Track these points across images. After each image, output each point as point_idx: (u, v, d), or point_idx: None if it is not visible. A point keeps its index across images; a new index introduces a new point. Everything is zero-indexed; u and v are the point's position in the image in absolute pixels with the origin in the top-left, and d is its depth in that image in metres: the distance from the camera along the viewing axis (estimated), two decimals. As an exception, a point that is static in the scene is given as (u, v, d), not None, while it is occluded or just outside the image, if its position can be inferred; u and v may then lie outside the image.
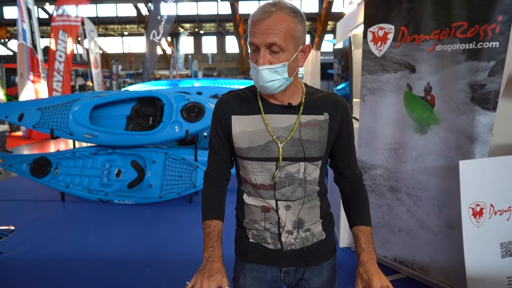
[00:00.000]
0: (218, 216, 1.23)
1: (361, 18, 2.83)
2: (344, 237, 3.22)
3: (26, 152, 7.53)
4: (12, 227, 3.06)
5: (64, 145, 7.88)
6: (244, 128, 1.17)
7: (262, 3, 1.09)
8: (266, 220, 1.21)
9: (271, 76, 1.06)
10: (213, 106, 4.21)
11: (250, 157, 1.17)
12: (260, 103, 1.17)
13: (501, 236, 2.19)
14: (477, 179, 2.19)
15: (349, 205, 1.25)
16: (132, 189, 4.37)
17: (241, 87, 1.30)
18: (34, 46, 8.87)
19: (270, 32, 1.01)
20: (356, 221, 1.21)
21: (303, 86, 1.19)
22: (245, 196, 1.24)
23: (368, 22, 2.67)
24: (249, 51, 1.11)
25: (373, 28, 2.64)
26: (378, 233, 2.85)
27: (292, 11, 1.04)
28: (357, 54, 3.47)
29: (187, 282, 1.06)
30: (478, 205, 2.17)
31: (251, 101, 1.18)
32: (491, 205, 2.18)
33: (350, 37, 3.57)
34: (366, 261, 1.10)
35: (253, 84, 1.22)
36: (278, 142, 1.14)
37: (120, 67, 18.33)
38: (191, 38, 32.96)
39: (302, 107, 1.15)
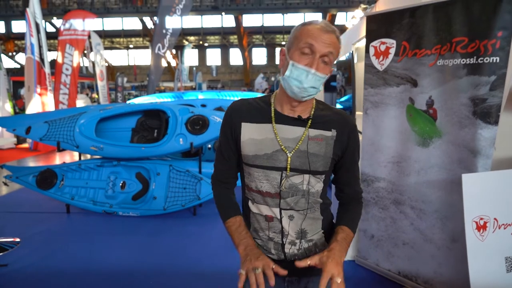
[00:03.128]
0: (238, 212, 1.28)
1: (363, 32, 2.88)
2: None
3: (32, 164, 7.60)
4: (18, 239, 3.09)
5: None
6: (252, 135, 1.20)
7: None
8: (270, 229, 1.24)
9: (314, 82, 1.12)
10: (217, 118, 4.28)
11: (256, 165, 1.20)
12: (273, 113, 1.21)
13: (505, 250, 2.18)
14: (480, 192, 2.19)
15: (341, 210, 1.30)
16: (136, 201, 4.38)
17: (246, 98, 1.33)
18: (42, 59, 9.02)
19: (330, 44, 1.10)
20: (341, 222, 1.25)
21: (314, 101, 1.24)
22: (250, 204, 1.28)
23: (370, 36, 2.71)
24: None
25: (375, 43, 2.68)
26: (382, 246, 2.85)
27: (339, 36, 1.15)
28: (360, 67, 3.52)
29: (241, 271, 1.11)
30: (481, 218, 2.17)
31: (263, 110, 1.22)
32: (495, 219, 2.18)
33: (352, 51, 3.62)
34: (337, 250, 1.13)
35: (264, 95, 1.28)
36: (287, 152, 1.17)
37: (125, 79, 18.52)
38: (196, 51, 33.29)
39: (310, 120, 1.19)
